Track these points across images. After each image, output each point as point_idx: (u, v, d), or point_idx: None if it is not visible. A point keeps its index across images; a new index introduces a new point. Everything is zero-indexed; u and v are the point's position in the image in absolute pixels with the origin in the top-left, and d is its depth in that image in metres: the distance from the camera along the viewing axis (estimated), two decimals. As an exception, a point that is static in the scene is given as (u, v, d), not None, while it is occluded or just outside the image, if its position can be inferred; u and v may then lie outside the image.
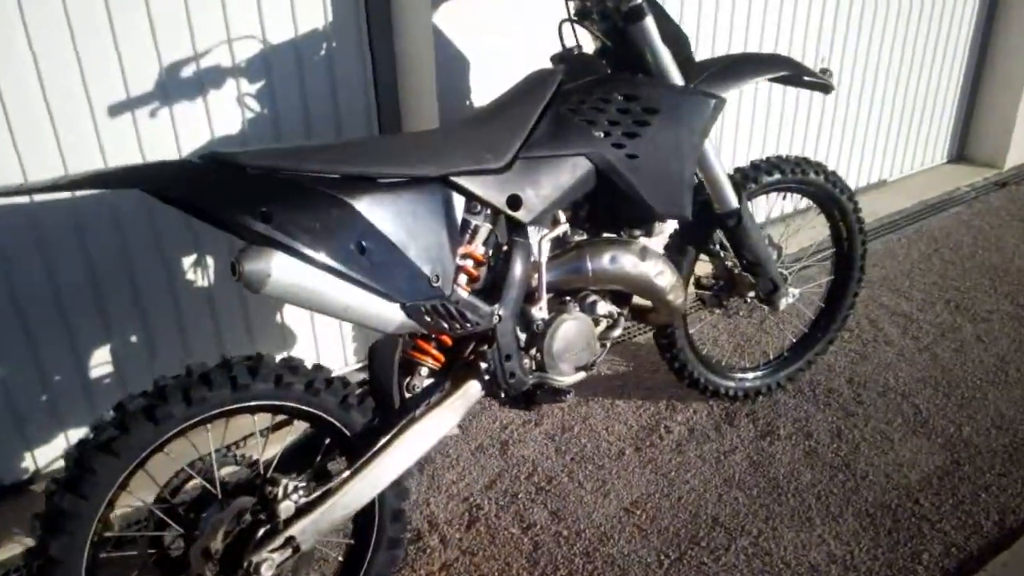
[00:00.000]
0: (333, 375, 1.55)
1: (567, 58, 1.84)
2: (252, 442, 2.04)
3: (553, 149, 1.69)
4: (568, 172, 1.71)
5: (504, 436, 2.33)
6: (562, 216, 1.84)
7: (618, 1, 1.75)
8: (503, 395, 1.72)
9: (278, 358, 1.52)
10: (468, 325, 1.60)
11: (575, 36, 1.88)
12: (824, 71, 3.23)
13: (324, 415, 1.53)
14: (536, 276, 1.73)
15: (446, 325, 1.56)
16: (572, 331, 1.76)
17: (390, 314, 1.48)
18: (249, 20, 2.07)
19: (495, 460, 2.24)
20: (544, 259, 1.72)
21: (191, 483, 1.52)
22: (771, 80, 2.05)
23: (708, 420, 2.36)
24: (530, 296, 1.73)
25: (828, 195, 2.29)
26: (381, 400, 1.61)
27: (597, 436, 2.32)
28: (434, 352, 1.66)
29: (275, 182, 1.36)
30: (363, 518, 1.65)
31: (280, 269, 1.33)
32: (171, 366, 2.21)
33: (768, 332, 2.79)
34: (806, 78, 2.07)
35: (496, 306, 1.64)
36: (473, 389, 1.68)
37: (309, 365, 1.55)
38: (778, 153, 2.99)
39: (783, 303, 2.23)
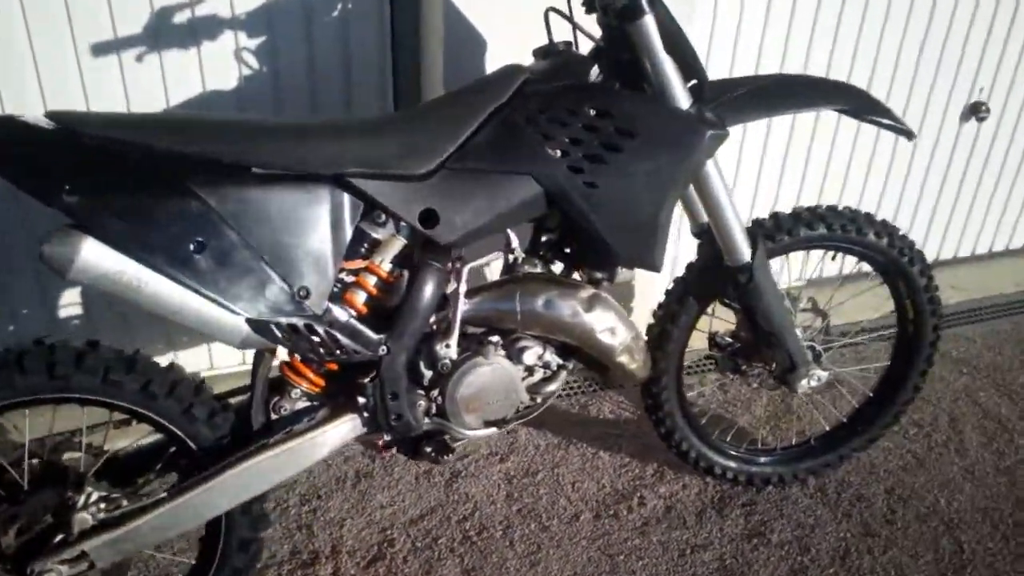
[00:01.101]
0: (184, 378, 1.38)
1: (551, 54, 1.53)
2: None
3: (492, 162, 1.41)
4: (507, 192, 1.43)
5: (459, 466, 2.10)
6: (515, 241, 1.56)
7: None
8: (387, 437, 1.49)
9: (130, 352, 1.37)
10: (340, 352, 1.37)
11: (574, 28, 1.55)
12: (979, 107, 2.69)
13: (163, 421, 1.37)
14: (451, 308, 1.46)
15: (308, 348, 1.35)
16: (484, 378, 1.49)
17: (231, 326, 1.28)
18: (252, -31, 1.91)
19: (436, 492, 2.01)
20: (462, 289, 1.45)
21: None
22: (836, 110, 1.63)
23: (694, 501, 2.01)
24: (443, 330, 1.47)
25: (891, 262, 1.84)
26: (244, 416, 1.43)
27: (559, 490, 2.03)
28: (311, 375, 1.45)
29: (105, 155, 1.18)
30: (208, 540, 1.48)
31: (89, 255, 1.17)
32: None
33: (796, 412, 2.34)
34: (876, 117, 1.64)
35: (385, 336, 1.40)
36: (348, 425, 1.46)
37: (164, 363, 1.38)
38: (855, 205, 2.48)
39: (802, 386, 1.83)
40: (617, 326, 1.53)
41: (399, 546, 1.85)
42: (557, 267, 1.65)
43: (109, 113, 1.24)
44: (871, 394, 2.05)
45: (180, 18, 1.91)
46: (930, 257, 3.08)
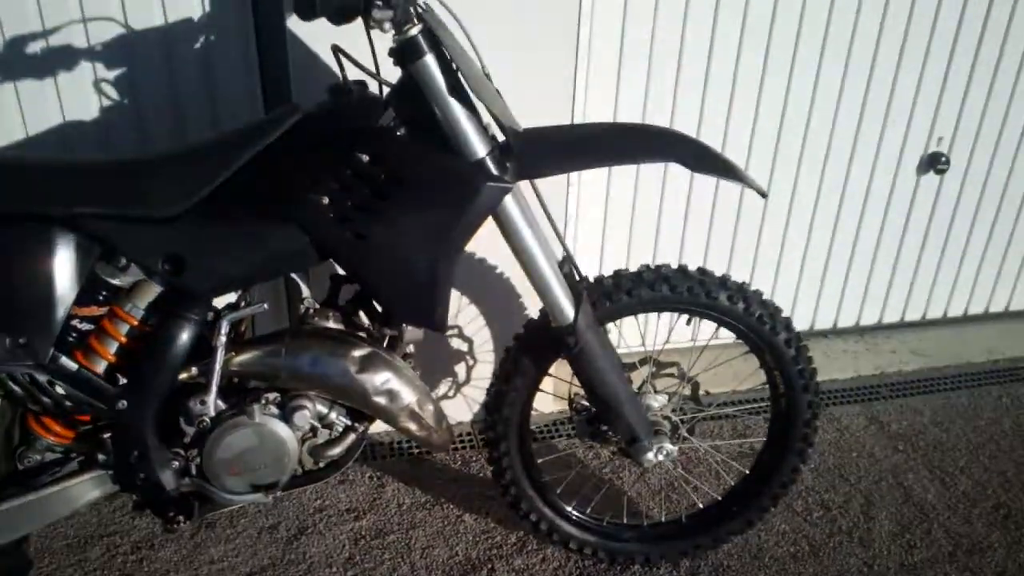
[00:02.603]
0: None
1: (340, 93, 1.42)
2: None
3: (251, 207, 1.31)
4: (268, 239, 1.33)
5: (311, 520, 1.98)
6: (305, 290, 1.45)
7: (398, 28, 1.31)
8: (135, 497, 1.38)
9: None
10: (69, 406, 1.28)
11: (374, 63, 1.44)
12: (938, 158, 2.48)
13: None
14: (210, 361, 1.36)
15: (30, 399, 1.25)
16: (247, 440, 1.38)
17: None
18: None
19: (275, 549, 1.90)
20: (220, 341, 1.35)
21: None
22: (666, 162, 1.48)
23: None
24: (200, 386, 1.37)
25: (752, 331, 1.67)
26: None
27: (406, 556, 1.89)
28: (57, 428, 1.36)
29: None
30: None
31: None
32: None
33: (673, 485, 2.14)
34: (717, 171, 1.47)
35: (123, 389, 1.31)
36: (95, 481, 1.36)
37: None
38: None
39: (647, 459, 1.66)
40: (398, 389, 1.41)
41: (210, 610, 1.74)
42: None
43: None
44: (747, 472, 1.86)
45: (32, 48, 1.88)
46: (892, 318, 2.88)
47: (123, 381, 1.34)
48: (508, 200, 1.40)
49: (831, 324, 2.88)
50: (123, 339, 1.34)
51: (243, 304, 1.43)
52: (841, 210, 2.64)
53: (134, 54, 1.93)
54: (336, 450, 1.46)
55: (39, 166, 1.26)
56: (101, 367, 1.34)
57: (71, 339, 1.31)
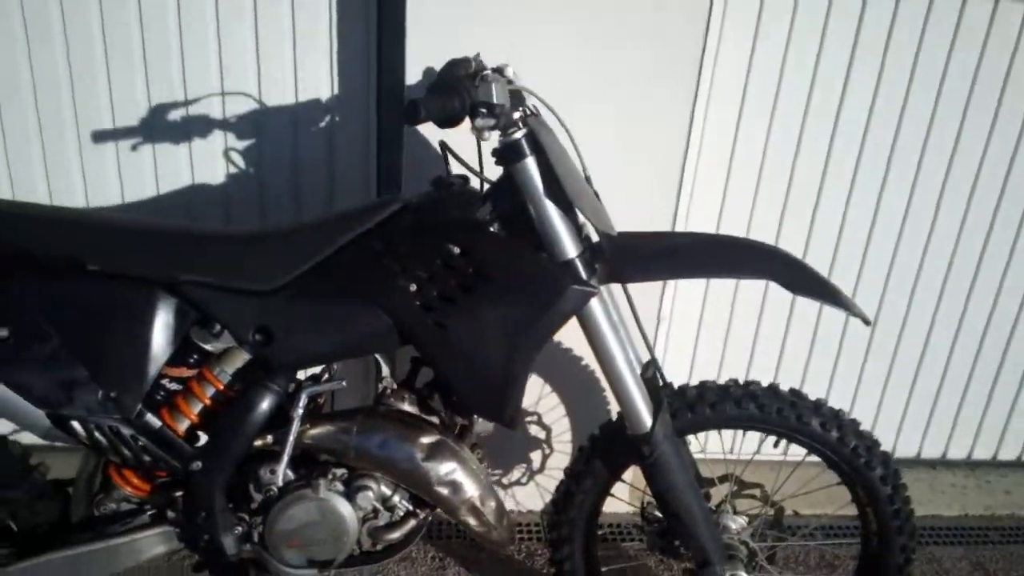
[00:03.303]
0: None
1: (442, 186, 1.47)
2: None
3: (340, 288, 1.35)
4: (352, 320, 1.36)
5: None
6: (386, 370, 1.48)
7: (503, 131, 1.35)
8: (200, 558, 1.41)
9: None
10: (148, 461, 1.33)
11: (479, 160, 1.48)
12: None
13: (-18, 498, 1.37)
14: (285, 432, 1.39)
15: (112, 452, 1.31)
16: (309, 513, 1.39)
17: (33, 418, 1.28)
18: (246, 77, 2.01)
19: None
20: (296, 413, 1.38)
21: None
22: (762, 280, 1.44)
23: None
24: (272, 455, 1.40)
25: (845, 462, 1.57)
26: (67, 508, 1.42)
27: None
28: (135, 479, 1.41)
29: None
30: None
31: None
32: None
33: None
34: (816, 294, 1.42)
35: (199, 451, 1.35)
36: (162, 537, 1.40)
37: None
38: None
39: (717, 587, 1.56)
40: (461, 481, 1.39)
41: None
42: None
43: None
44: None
45: (174, 116, 2.04)
46: (1009, 455, 2.66)
47: (201, 442, 1.39)
48: (593, 302, 1.39)
49: (940, 454, 2.68)
50: (208, 401, 1.39)
51: (324, 379, 1.46)
52: (958, 336, 2.49)
53: (264, 129, 2.06)
54: (395, 534, 1.45)
55: (149, 231, 1.35)
56: (184, 426, 1.39)
57: (158, 397, 1.37)
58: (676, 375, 2.43)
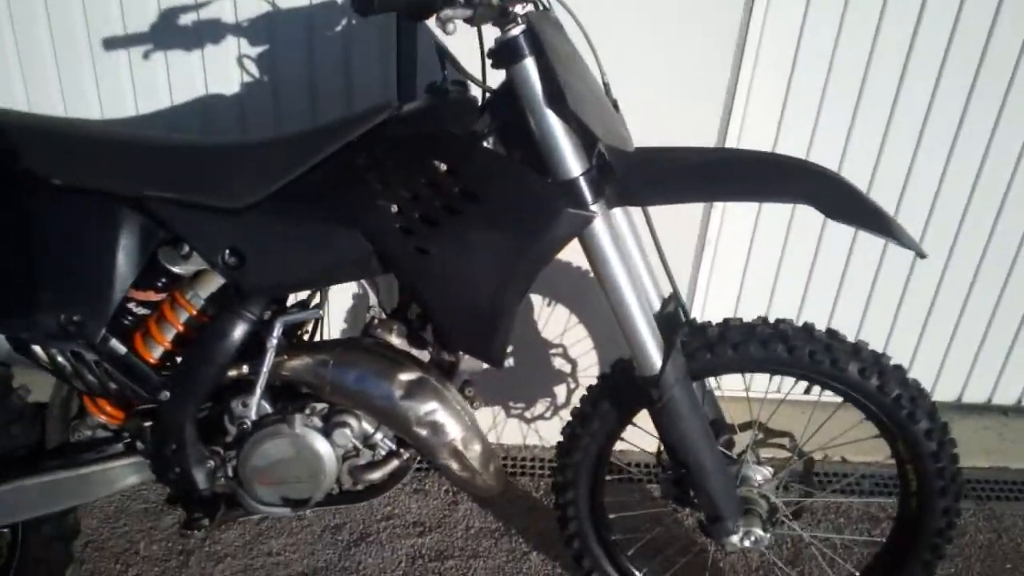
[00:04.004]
0: None
1: (436, 93, 1.32)
2: None
3: (317, 208, 1.24)
4: (331, 244, 1.25)
5: (376, 527, 1.92)
6: (373, 299, 1.38)
7: (501, 27, 1.18)
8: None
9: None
10: (113, 388, 1.27)
11: (456, 69, 1.32)
12: None
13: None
14: (259, 363, 1.30)
15: (74, 377, 1.25)
16: (283, 451, 1.32)
17: (-10, 321, 1.22)
18: (255, -23, 1.87)
19: (332, 552, 1.87)
20: (271, 344, 1.29)
21: None
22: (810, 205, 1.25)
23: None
24: (248, 386, 1.32)
25: (885, 413, 1.40)
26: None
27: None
28: (109, 407, 1.36)
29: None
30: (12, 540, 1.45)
31: None
32: None
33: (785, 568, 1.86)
34: (860, 220, 1.22)
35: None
36: (135, 467, 1.35)
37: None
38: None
39: (731, 543, 1.45)
40: (442, 422, 1.29)
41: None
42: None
43: None
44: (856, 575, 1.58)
45: (185, 20, 1.93)
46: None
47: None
48: (598, 226, 1.24)
49: (1016, 399, 2.44)
50: (181, 327, 1.31)
51: (313, 305, 1.36)
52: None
53: (277, 32, 1.93)
54: (376, 474, 1.36)
55: (115, 142, 1.25)
56: (157, 353, 1.32)
57: (126, 322, 1.30)
58: (721, 310, 2.26)
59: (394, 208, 1.22)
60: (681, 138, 1.80)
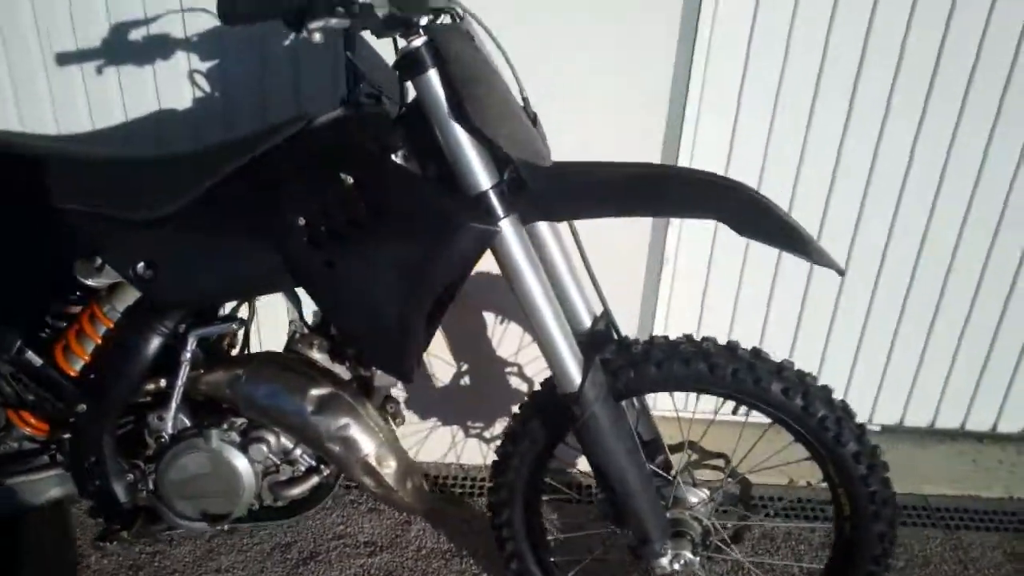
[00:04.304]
0: None
1: (350, 105, 1.30)
2: None
3: (229, 220, 1.23)
4: (243, 256, 1.24)
5: (327, 546, 1.90)
6: (294, 312, 1.36)
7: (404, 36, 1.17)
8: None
9: None
10: (31, 400, 1.26)
11: (361, 81, 1.30)
12: None
13: None
14: (174, 377, 1.29)
15: (-13, 388, 1.25)
16: (199, 464, 1.31)
17: None
18: (203, -8, 1.88)
19: (280, 570, 1.85)
20: (184, 357, 1.28)
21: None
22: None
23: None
24: (165, 398, 1.31)
25: (812, 434, 1.36)
26: None
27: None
28: (32, 420, 1.35)
29: None
30: None
31: None
32: None
33: None
34: (771, 237, 1.20)
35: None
36: (58, 480, 1.34)
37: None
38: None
39: (659, 565, 1.41)
40: (355, 437, 1.27)
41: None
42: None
43: None
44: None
45: (135, 35, 1.94)
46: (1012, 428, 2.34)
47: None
48: (508, 239, 1.22)
49: (989, 426, 2.39)
50: (99, 340, 1.30)
51: (231, 319, 1.35)
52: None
53: (227, 48, 1.94)
54: (295, 490, 1.34)
55: (30, 155, 1.25)
56: (78, 366, 1.31)
57: (43, 335, 1.30)
58: (683, 329, 2.22)
59: (301, 221, 1.21)
60: (624, 152, 1.78)
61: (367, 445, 1.27)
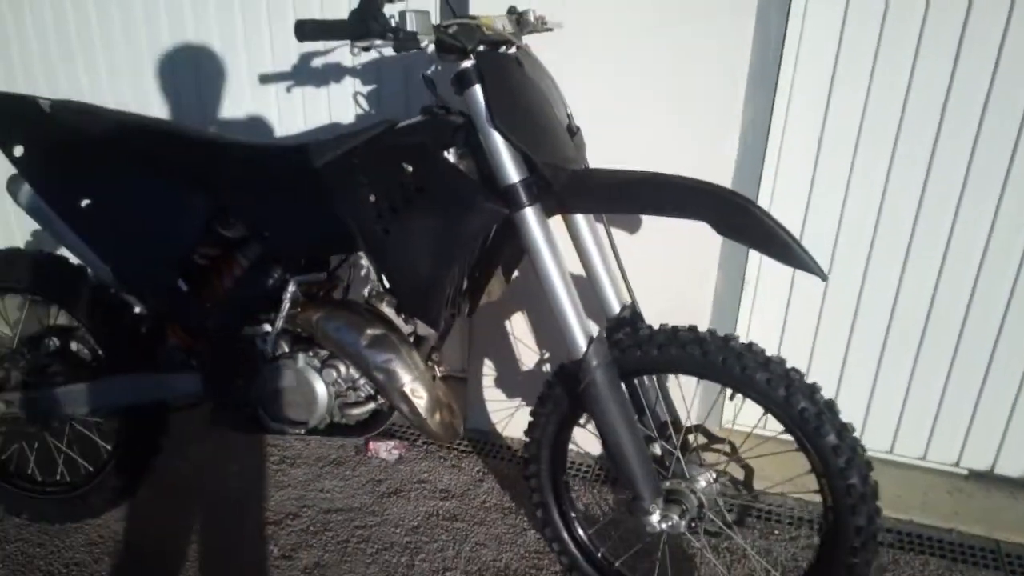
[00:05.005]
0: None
1: (425, 113, 1.66)
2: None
3: (323, 194, 1.63)
4: (326, 223, 1.63)
5: (409, 487, 2.25)
6: (372, 272, 1.73)
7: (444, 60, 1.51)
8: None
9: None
10: (176, 315, 1.73)
11: (434, 95, 1.65)
12: None
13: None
14: (278, 312, 1.71)
15: (151, 304, 1.73)
16: (285, 379, 1.70)
17: (101, 267, 1.74)
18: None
19: (368, 497, 2.21)
20: (286, 295, 1.69)
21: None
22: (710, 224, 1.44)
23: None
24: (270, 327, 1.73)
25: (796, 424, 1.50)
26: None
27: (459, 545, 2.06)
28: (179, 332, 1.82)
29: (59, 133, 1.73)
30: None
31: (24, 196, 1.73)
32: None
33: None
34: (753, 240, 1.39)
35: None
36: (191, 380, 1.80)
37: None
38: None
39: (649, 521, 1.60)
40: (395, 370, 1.59)
41: (297, 522, 2.10)
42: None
43: (84, 106, 1.76)
44: (786, 586, 1.65)
45: (316, 63, 2.45)
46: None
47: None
48: (529, 221, 1.50)
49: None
50: (231, 279, 1.75)
51: (323, 272, 1.75)
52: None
53: (381, 75, 2.39)
54: (356, 411, 1.70)
55: (200, 140, 1.71)
56: (215, 296, 1.76)
57: (192, 268, 1.76)
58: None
59: (372, 198, 1.57)
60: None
61: (404, 377, 1.60)
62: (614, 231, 2.08)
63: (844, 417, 1.49)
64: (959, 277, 2.09)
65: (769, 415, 1.53)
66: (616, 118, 2.01)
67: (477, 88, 1.48)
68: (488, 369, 2.45)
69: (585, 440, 2.19)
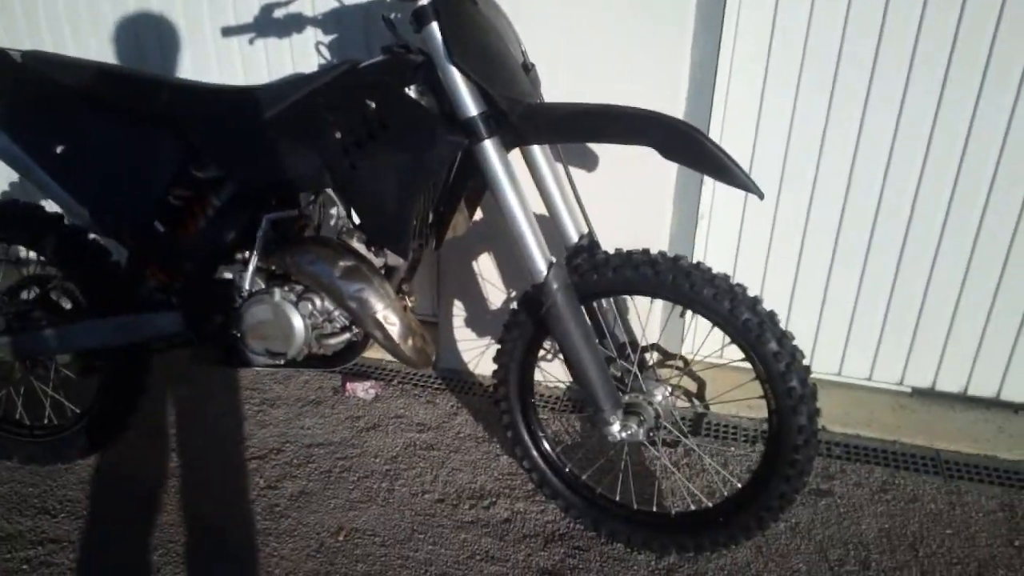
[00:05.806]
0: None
1: (385, 53, 1.73)
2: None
3: (291, 132, 1.70)
4: (295, 161, 1.71)
5: (387, 422, 2.36)
6: (341, 209, 1.81)
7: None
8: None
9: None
10: (154, 256, 1.80)
11: (395, 35, 1.73)
12: None
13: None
14: (251, 249, 1.79)
15: (129, 245, 1.80)
16: (261, 314, 1.78)
17: (78, 210, 1.80)
18: (327, -21, 2.40)
19: (348, 432, 2.31)
20: (259, 233, 1.77)
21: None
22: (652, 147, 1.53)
23: (532, 526, 1.99)
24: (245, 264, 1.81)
25: (740, 334, 1.62)
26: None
27: (436, 470, 2.18)
28: (157, 270, 1.90)
29: (30, 83, 1.78)
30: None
31: (1, 144, 1.79)
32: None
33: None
34: (695, 161, 1.49)
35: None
36: (172, 318, 1.88)
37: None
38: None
39: (610, 433, 1.73)
40: (367, 298, 1.69)
41: (280, 456, 2.21)
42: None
43: (54, 56, 1.81)
44: (739, 486, 1.79)
45: (278, 14, 2.49)
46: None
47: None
48: (490, 155, 1.59)
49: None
50: (205, 218, 1.82)
51: (292, 209, 1.83)
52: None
53: (341, 23, 2.44)
54: (331, 341, 1.80)
55: (159, 82, 1.77)
56: (190, 235, 1.84)
57: (167, 209, 1.83)
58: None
59: (338, 135, 1.65)
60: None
61: (377, 305, 1.69)
62: (573, 169, 2.17)
63: (796, 343, 1.61)
64: (898, 198, 2.22)
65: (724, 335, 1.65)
66: (568, 60, 2.09)
67: (434, 25, 1.55)
68: (458, 310, 2.55)
69: (554, 372, 2.30)
